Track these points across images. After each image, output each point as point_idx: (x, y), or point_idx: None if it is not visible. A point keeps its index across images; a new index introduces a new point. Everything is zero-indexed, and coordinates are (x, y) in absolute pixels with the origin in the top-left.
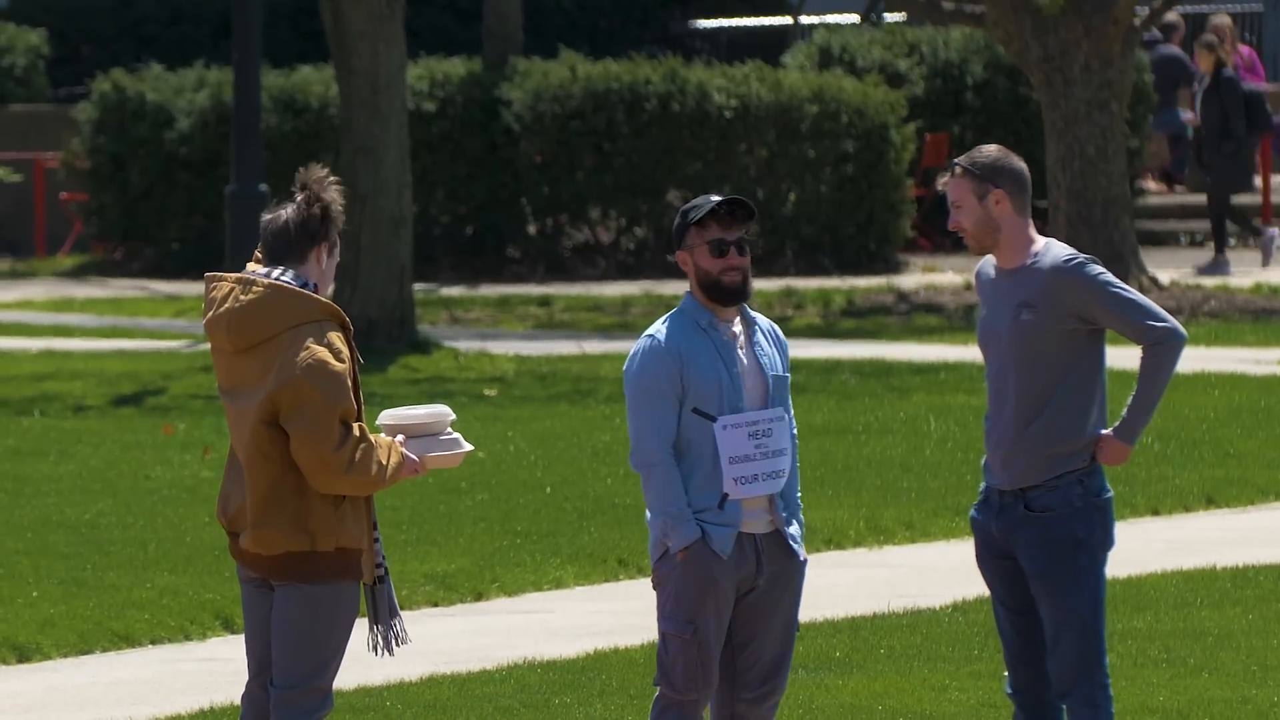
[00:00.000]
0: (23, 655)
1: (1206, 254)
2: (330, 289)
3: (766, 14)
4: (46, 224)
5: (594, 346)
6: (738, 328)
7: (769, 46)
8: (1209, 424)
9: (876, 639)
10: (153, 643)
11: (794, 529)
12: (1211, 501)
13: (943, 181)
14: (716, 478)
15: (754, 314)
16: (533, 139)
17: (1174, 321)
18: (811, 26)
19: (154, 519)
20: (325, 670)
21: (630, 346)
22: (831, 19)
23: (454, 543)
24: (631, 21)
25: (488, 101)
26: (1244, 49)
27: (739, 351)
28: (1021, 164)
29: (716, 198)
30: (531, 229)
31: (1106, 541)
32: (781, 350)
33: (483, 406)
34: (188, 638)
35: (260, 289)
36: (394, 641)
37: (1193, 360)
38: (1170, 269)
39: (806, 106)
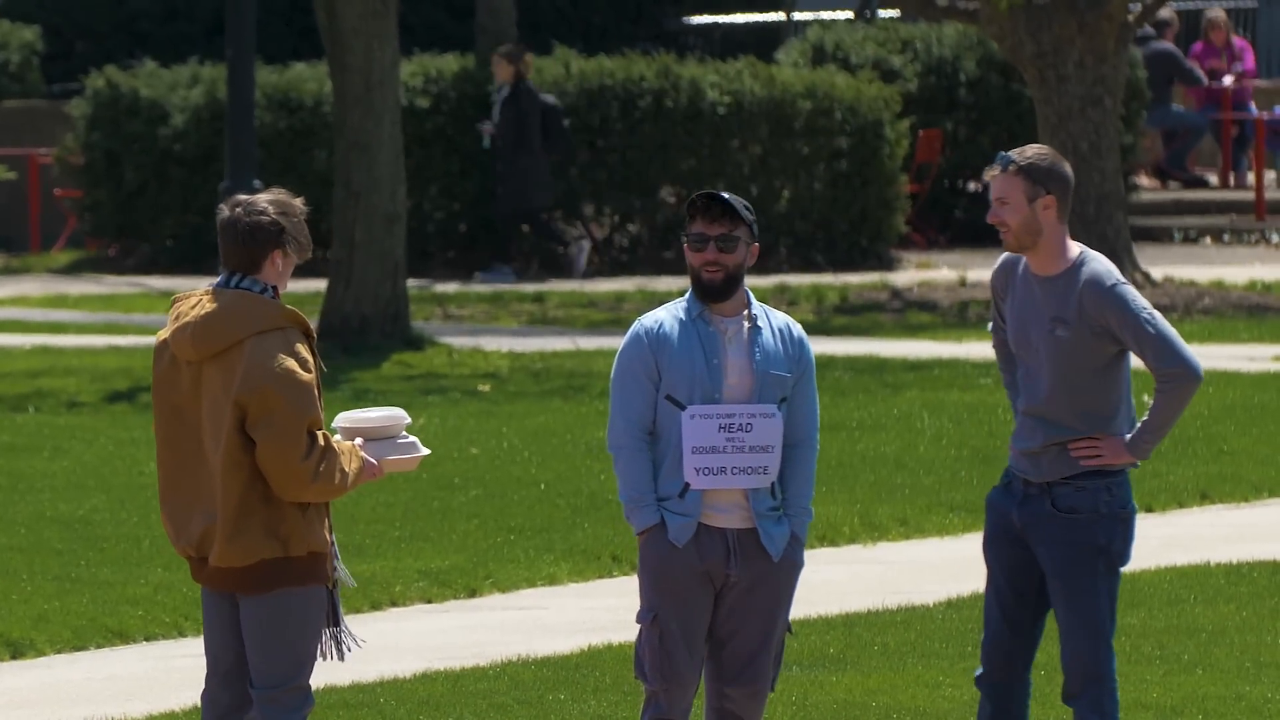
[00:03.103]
0: (17, 651)
1: (1202, 251)
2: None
3: (760, 10)
4: (40, 220)
5: (587, 342)
6: (734, 322)
7: (762, 43)
8: (1203, 420)
9: (870, 635)
10: (147, 639)
11: (780, 529)
12: (1206, 498)
13: (991, 174)
14: (683, 466)
15: (768, 310)
16: None
17: (1192, 361)
18: (805, 23)
19: (148, 515)
20: (304, 669)
21: (622, 343)
22: (825, 15)
23: (447, 539)
24: (625, 18)
25: (481, 98)
26: (1238, 41)
27: (726, 344)
28: (1070, 171)
29: (718, 193)
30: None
31: (1125, 554)
32: (791, 348)
33: (476, 402)
34: (181, 634)
35: (223, 297)
36: (346, 645)
37: None
38: (1164, 265)
39: (800, 103)
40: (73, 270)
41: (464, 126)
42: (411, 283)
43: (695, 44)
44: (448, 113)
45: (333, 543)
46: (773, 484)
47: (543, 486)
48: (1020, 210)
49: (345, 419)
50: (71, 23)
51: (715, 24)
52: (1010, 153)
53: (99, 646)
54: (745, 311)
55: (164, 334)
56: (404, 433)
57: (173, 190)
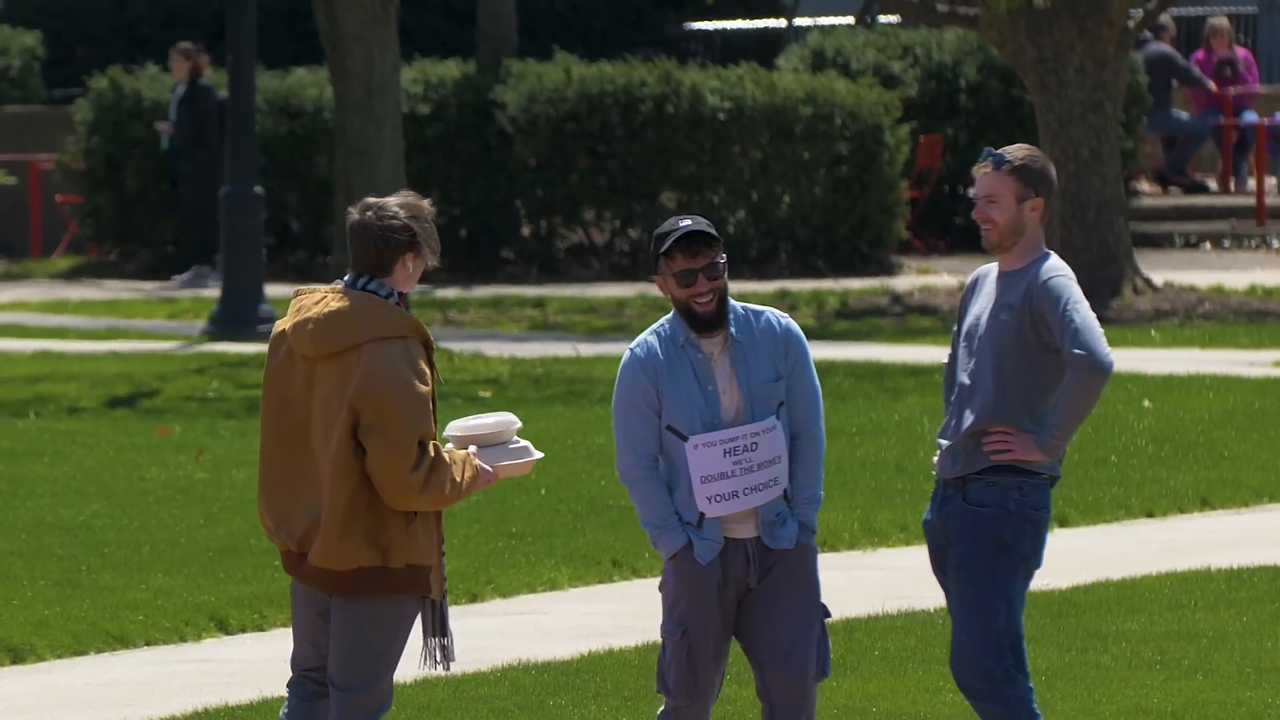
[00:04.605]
0: (17, 657)
1: (1203, 256)
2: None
3: (760, 16)
4: (41, 226)
5: (588, 348)
6: (717, 341)
7: (763, 48)
8: (1203, 426)
9: (871, 641)
10: (147, 644)
11: (785, 530)
12: (1206, 503)
13: (982, 170)
14: (694, 496)
15: (751, 312)
16: (527, 141)
17: (1100, 351)
18: (805, 29)
19: (148, 521)
20: (386, 674)
21: (624, 348)
22: (826, 21)
23: (448, 544)
24: (625, 23)
25: (482, 104)
26: (1241, 51)
27: (715, 369)
28: (1055, 175)
29: (682, 223)
30: (525, 231)
31: (1033, 558)
32: (776, 351)
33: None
34: (182, 639)
35: (349, 298)
36: (451, 655)
37: (1187, 362)
38: (1165, 270)
39: (800, 108)
40: (73, 275)
41: (465, 132)
42: None
43: (696, 50)
44: (448, 119)
45: (443, 553)
46: (785, 490)
47: (543, 492)
48: (1009, 210)
49: (457, 427)
50: (72, 28)
51: (716, 30)
52: (1001, 151)
53: (99, 651)
54: (724, 330)
55: (283, 324)
56: (515, 437)
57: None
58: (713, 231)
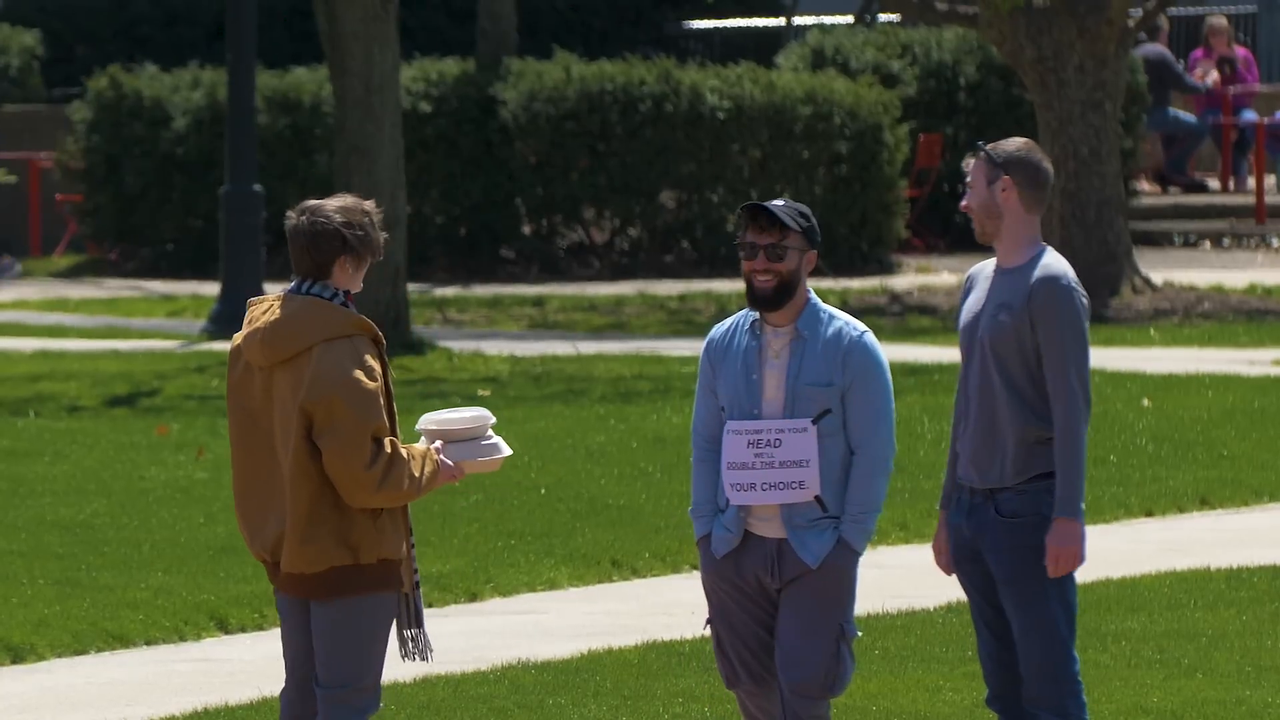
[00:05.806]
0: (17, 656)
1: (1202, 255)
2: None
3: (760, 15)
4: (41, 224)
5: (588, 347)
6: (782, 333)
7: (762, 47)
8: (1203, 425)
9: (871, 640)
10: (147, 643)
11: (818, 539)
12: (1205, 503)
13: (967, 163)
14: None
15: (831, 317)
16: (527, 139)
17: (1083, 398)
18: (805, 27)
19: (148, 519)
20: (372, 670)
21: (622, 347)
22: (825, 20)
23: (448, 543)
24: (625, 22)
25: (482, 102)
26: (1240, 50)
27: (770, 357)
28: (1043, 162)
29: (764, 204)
30: (526, 229)
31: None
32: (836, 358)
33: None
34: (182, 638)
35: (293, 303)
36: (428, 648)
37: (1187, 361)
38: (1164, 269)
39: (800, 107)
40: (73, 274)
41: (465, 131)
42: (412, 287)
43: (695, 49)
44: (448, 117)
45: (411, 545)
46: (818, 497)
47: (543, 491)
48: (980, 193)
49: (429, 421)
50: (72, 27)
51: (715, 28)
52: (981, 143)
53: (99, 651)
54: (793, 324)
55: (238, 338)
56: (489, 433)
57: (174, 194)
58: (784, 216)
